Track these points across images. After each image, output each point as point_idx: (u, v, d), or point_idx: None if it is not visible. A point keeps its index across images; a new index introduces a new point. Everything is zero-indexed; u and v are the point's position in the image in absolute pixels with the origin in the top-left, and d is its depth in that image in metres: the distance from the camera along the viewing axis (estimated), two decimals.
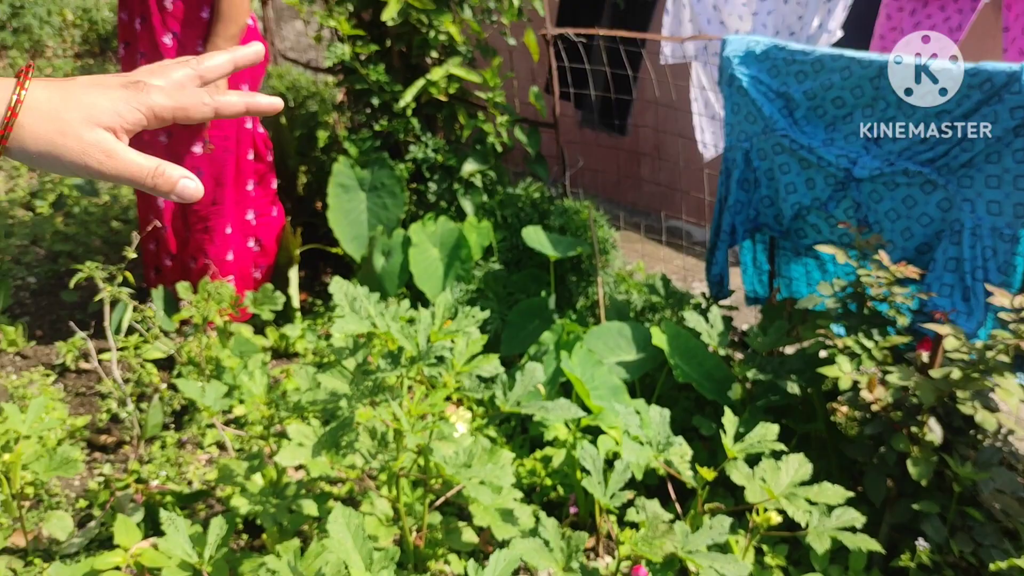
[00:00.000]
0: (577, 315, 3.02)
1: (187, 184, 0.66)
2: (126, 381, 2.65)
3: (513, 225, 3.31)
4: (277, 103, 0.74)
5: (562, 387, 2.59)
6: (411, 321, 2.63)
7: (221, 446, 2.50)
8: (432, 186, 3.38)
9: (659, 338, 2.49)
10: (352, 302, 1.91)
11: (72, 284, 2.55)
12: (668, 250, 4.18)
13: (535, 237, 2.98)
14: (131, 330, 2.78)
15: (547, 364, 2.54)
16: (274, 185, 3.22)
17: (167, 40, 2.71)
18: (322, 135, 3.79)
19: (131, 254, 2.37)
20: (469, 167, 3.34)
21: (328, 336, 3.11)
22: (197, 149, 2.82)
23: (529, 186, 3.47)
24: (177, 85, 0.69)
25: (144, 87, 0.64)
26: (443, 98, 3.39)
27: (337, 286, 1.89)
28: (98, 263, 2.51)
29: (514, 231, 3.27)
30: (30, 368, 2.84)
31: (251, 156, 3.04)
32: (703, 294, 2.85)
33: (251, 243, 3.15)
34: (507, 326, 2.93)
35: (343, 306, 1.90)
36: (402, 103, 3.28)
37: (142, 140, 2.85)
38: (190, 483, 2.32)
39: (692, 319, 2.43)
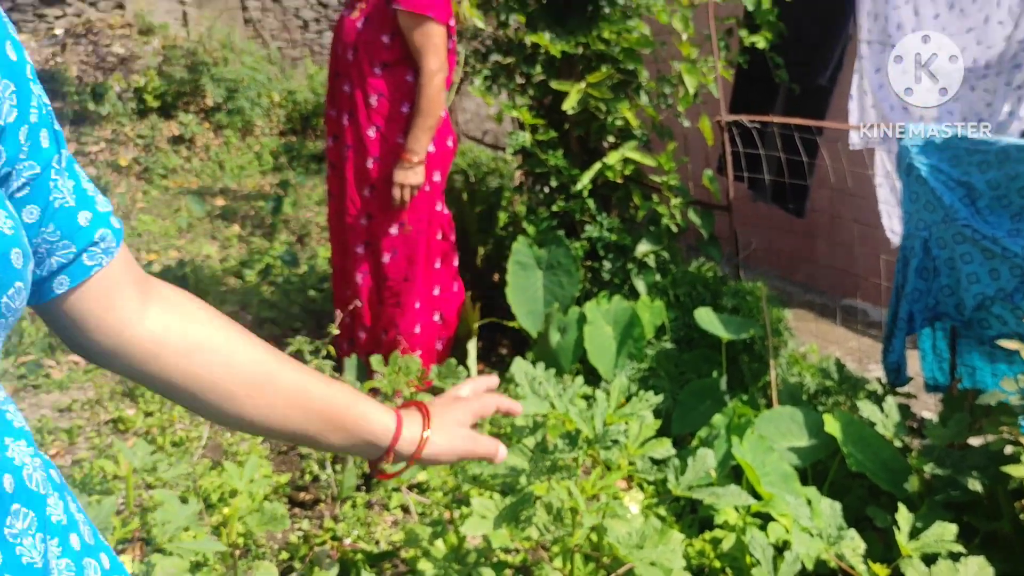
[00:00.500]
0: (748, 397, 3.04)
1: (503, 452, 1.01)
2: None
3: (686, 304, 3.38)
4: (517, 409, 1.06)
5: (732, 470, 2.62)
6: (587, 398, 2.74)
7: (405, 509, 2.68)
8: (607, 265, 3.51)
9: (832, 426, 2.48)
10: (532, 382, 2.05)
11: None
12: (843, 331, 4.11)
13: (707, 318, 3.04)
14: None
15: (718, 447, 2.58)
16: (455, 262, 3.45)
17: (371, 133, 3.00)
18: (503, 215, 4.01)
19: (334, 330, 2.62)
20: (643, 247, 3.45)
21: None
22: (394, 230, 3.08)
23: (702, 266, 3.54)
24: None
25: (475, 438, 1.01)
26: (619, 180, 3.54)
27: (518, 367, 2.03)
28: (303, 335, 2.78)
29: (686, 310, 3.34)
30: None
31: (439, 236, 3.29)
32: (879, 379, 2.81)
33: (435, 317, 3.37)
34: (678, 405, 2.99)
35: (524, 386, 2.04)
36: (579, 185, 3.45)
37: (344, 223, 3.14)
38: (378, 543, 2.51)
39: (867, 409, 2.41)
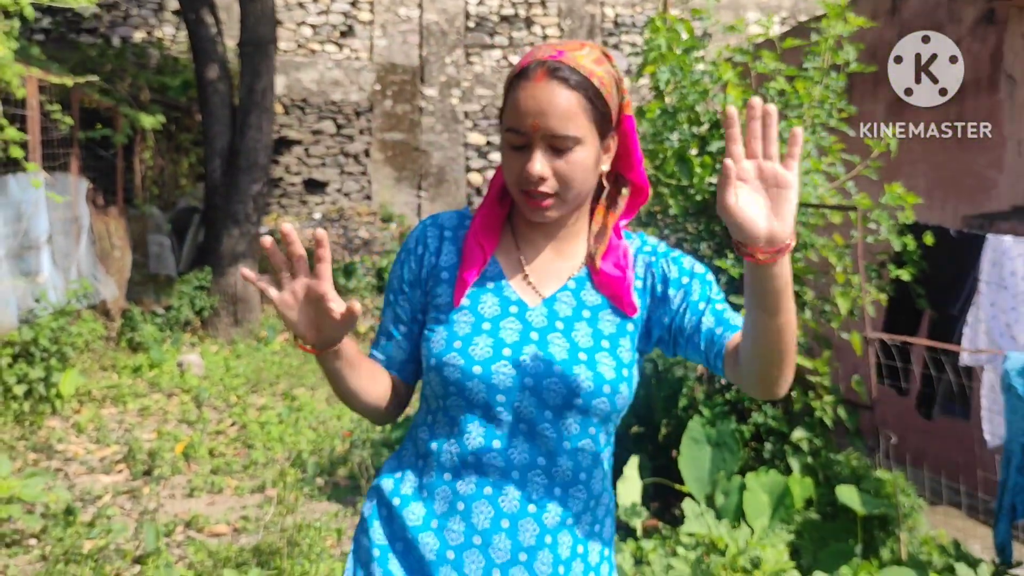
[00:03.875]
0: (879, 563, 3.67)
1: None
2: None
3: (832, 483, 4.07)
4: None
5: None
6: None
7: None
8: (767, 446, 4.28)
9: None
10: (699, 517, 2.88)
11: None
12: (972, 522, 4.59)
13: (847, 494, 3.73)
14: None
15: None
16: None
17: None
18: (683, 399, 4.87)
19: None
20: (798, 433, 4.20)
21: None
22: None
23: (849, 454, 4.23)
24: None
25: None
26: None
27: (689, 506, 2.87)
28: None
29: (832, 490, 4.03)
30: None
31: None
32: (992, 560, 3.37)
33: None
34: (817, 564, 3.66)
35: (691, 519, 2.87)
36: None
37: None
38: None
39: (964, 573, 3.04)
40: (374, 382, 1.49)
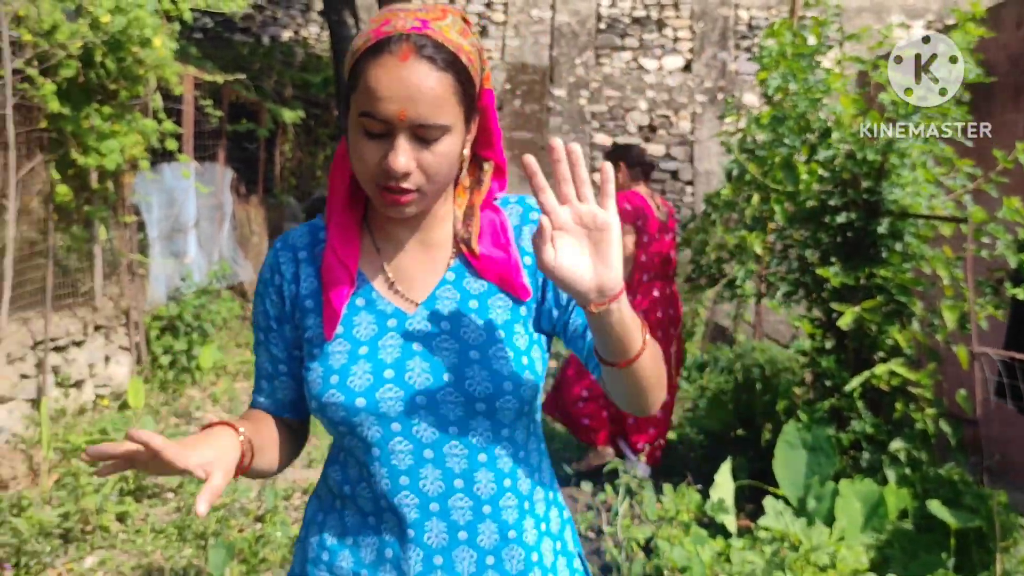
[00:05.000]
0: None
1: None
2: None
3: (930, 495, 4.03)
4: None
5: None
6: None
7: None
8: (865, 455, 4.27)
9: None
10: (779, 515, 2.97)
11: None
12: None
13: (938, 508, 3.71)
14: None
15: None
16: None
17: None
18: (782, 403, 4.90)
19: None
20: (897, 444, 4.18)
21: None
22: None
23: (950, 469, 4.17)
24: None
25: None
26: (884, 388, 4.33)
27: (770, 503, 2.96)
28: None
29: (927, 500, 4.00)
30: None
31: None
32: None
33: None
34: (907, 573, 3.66)
35: (770, 515, 2.96)
36: (848, 387, 4.29)
37: None
38: None
39: None
40: (275, 447, 1.36)
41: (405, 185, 1.18)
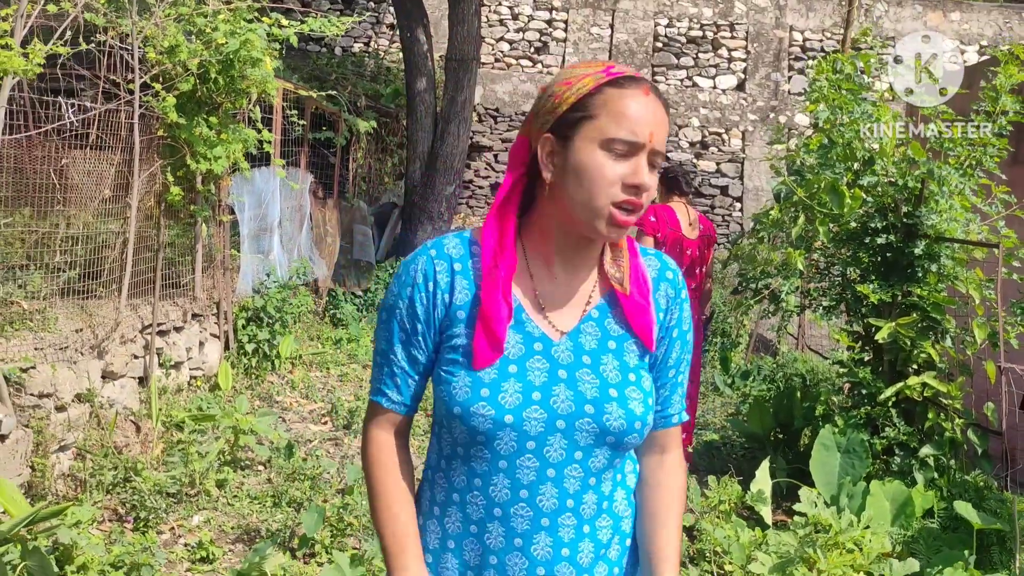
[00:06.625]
0: None
1: None
2: None
3: (955, 499, 4.37)
4: None
5: None
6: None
7: None
8: (896, 460, 4.62)
9: None
10: (812, 504, 3.35)
11: None
12: None
13: (963, 508, 4.05)
14: None
15: None
16: None
17: None
18: (820, 408, 5.26)
19: None
20: (926, 450, 4.53)
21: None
22: None
23: (976, 476, 4.51)
24: None
25: None
26: (916, 398, 4.68)
27: (805, 493, 3.34)
28: None
29: (953, 505, 4.34)
30: None
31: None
32: None
33: None
34: (929, 565, 4.01)
35: (805, 502, 3.34)
36: (882, 396, 4.65)
37: None
38: None
39: None
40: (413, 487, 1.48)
41: (642, 200, 1.32)
